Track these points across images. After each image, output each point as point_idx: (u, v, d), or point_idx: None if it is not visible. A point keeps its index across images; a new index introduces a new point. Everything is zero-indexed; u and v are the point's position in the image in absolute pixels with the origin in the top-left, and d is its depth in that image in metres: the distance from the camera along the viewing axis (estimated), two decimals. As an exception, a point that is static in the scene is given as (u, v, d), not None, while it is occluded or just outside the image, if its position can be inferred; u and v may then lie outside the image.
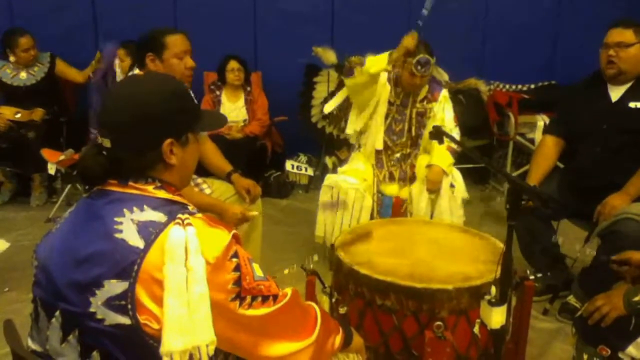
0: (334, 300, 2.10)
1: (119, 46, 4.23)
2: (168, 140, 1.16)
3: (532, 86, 4.78)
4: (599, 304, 1.72)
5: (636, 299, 1.65)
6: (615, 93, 2.64)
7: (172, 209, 1.11)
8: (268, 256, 3.01)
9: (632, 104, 2.57)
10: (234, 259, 1.09)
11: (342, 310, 2.05)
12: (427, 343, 1.86)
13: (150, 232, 1.06)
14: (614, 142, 2.60)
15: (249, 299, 1.09)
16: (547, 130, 2.99)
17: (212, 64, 4.46)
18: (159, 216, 1.09)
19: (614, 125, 2.59)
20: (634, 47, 2.56)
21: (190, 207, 1.15)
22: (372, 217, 2.99)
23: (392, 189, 3.11)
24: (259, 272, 1.13)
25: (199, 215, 1.12)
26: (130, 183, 1.15)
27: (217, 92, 4.49)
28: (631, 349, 1.64)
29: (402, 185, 3.13)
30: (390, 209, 3.01)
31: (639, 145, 2.53)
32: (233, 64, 4.41)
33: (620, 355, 1.66)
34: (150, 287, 1.04)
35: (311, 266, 2.21)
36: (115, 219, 1.09)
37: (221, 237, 1.09)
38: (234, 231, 1.12)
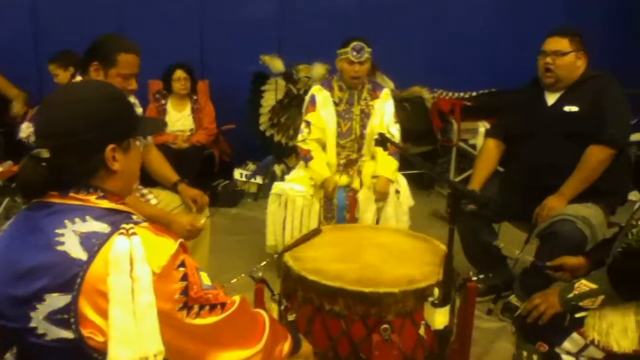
0: (282, 307, 2.10)
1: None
2: (110, 146, 1.15)
3: (474, 93, 4.94)
4: (536, 302, 1.79)
5: (570, 296, 1.72)
6: (551, 98, 2.75)
7: (116, 219, 1.10)
8: (217, 265, 2.98)
9: (566, 108, 2.68)
10: (181, 268, 1.08)
11: (291, 317, 2.06)
12: (375, 346, 1.89)
13: (93, 243, 1.05)
14: (551, 146, 2.69)
15: (196, 308, 1.09)
16: (488, 134, 3.08)
17: (157, 71, 4.39)
18: (102, 226, 1.08)
19: (551, 129, 2.68)
20: (569, 56, 2.67)
21: (135, 216, 1.14)
22: (319, 224, 3.01)
23: (343, 180, 3.15)
24: (206, 281, 1.13)
25: (145, 224, 1.11)
26: (72, 194, 1.13)
27: (163, 101, 4.42)
28: (567, 344, 1.72)
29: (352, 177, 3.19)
30: (345, 210, 3.04)
31: (574, 147, 2.63)
32: (179, 73, 4.35)
33: (557, 350, 1.74)
34: (94, 300, 1.02)
35: (260, 274, 2.21)
36: (57, 230, 1.07)
37: (168, 246, 1.09)
38: (180, 240, 1.12)
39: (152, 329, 1.03)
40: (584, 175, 2.60)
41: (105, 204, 1.14)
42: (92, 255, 1.04)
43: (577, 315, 1.71)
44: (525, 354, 1.82)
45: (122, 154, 1.18)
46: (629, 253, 1.69)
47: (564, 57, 2.67)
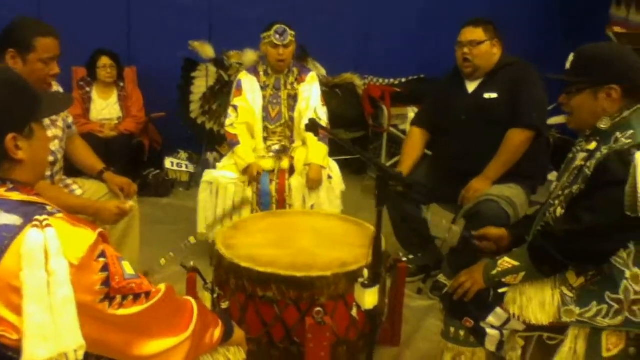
0: (215, 295, 2.09)
1: None
2: (10, 135, 1.10)
3: (403, 80, 5.03)
4: (462, 280, 1.85)
5: (494, 272, 1.78)
6: (471, 86, 2.85)
7: (28, 211, 1.06)
8: (149, 256, 2.91)
9: (486, 95, 2.78)
10: (101, 259, 1.06)
11: (224, 305, 2.06)
12: (308, 329, 1.92)
13: (3, 237, 1.01)
14: (473, 131, 2.79)
15: (119, 298, 1.07)
16: (413, 122, 3.16)
17: (81, 58, 4.21)
18: (13, 219, 1.03)
19: (472, 116, 2.78)
20: (484, 45, 2.77)
21: (50, 207, 1.10)
22: (253, 211, 3.00)
23: (267, 163, 3.13)
24: (129, 270, 1.10)
25: (60, 215, 1.07)
26: None
27: (87, 89, 4.24)
28: (491, 318, 1.79)
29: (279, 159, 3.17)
30: (269, 197, 3.03)
31: (496, 133, 2.73)
32: (104, 60, 4.19)
33: (482, 324, 1.80)
34: (6, 296, 0.98)
35: (191, 263, 2.18)
36: (-35, 225, 1.02)
37: (85, 236, 1.05)
38: (100, 230, 1.08)
39: (71, 323, 1.00)
40: (505, 158, 2.71)
41: (16, 196, 1.10)
42: (2, 250, 1.00)
43: (500, 290, 1.79)
44: (452, 329, 1.88)
45: (26, 142, 1.13)
46: (546, 232, 1.78)
47: (480, 46, 2.76)
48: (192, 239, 2.26)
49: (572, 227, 1.66)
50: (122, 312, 1.07)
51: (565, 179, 1.80)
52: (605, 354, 1.68)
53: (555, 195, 1.83)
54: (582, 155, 1.75)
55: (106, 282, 1.05)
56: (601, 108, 1.68)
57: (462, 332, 1.86)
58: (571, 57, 1.73)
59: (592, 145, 1.71)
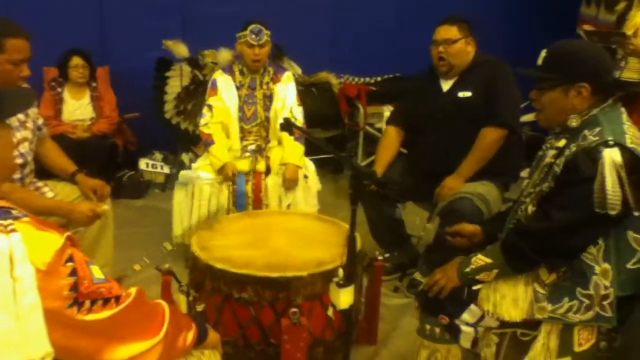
0: (191, 298, 2.07)
1: None
2: None
3: (379, 79, 5.04)
4: (437, 277, 1.86)
5: (468, 270, 1.80)
6: (446, 84, 2.87)
7: None
8: (123, 260, 2.88)
9: (460, 94, 2.81)
10: (69, 263, 1.04)
11: (199, 308, 2.04)
12: (284, 330, 1.91)
13: None
14: (448, 130, 2.80)
15: (88, 303, 1.05)
16: (389, 121, 3.17)
17: (52, 58, 4.13)
18: None
19: (447, 114, 2.80)
20: (459, 43, 2.79)
21: (15, 211, 1.07)
22: (229, 211, 2.98)
23: (243, 164, 3.11)
24: (98, 275, 1.08)
25: (26, 219, 1.05)
26: None
27: (59, 89, 4.17)
28: (465, 316, 1.80)
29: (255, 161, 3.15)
30: (245, 197, 3.02)
31: (470, 130, 2.75)
32: (76, 60, 4.11)
33: (457, 322, 1.82)
34: None
35: (167, 266, 2.16)
36: None
37: (52, 240, 1.03)
38: (67, 233, 1.06)
39: (38, 330, 0.98)
40: (479, 156, 2.74)
41: None
42: None
43: (474, 287, 1.80)
44: (428, 327, 1.89)
45: None
46: (519, 230, 1.79)
47: (455, 44, 2.78)
48: (167, 245, 2.24)
49: (544, 225, 1.68)
50: (91, 317, 1.05)
51: (536, 177, 1.82)
52: (577, 349, 1.70)
53: (527, 192, 1.85)
54: (551, 152, 1.77)
55: (74, 287, 1.03)
56: (571, 105, 1.70)
57: (437, 330, 1.87)
58: (543, 53, 1.75)
59: (562, 143, 1.74)
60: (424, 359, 1.92)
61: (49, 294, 1.00)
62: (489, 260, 1.77)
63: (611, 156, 1.56)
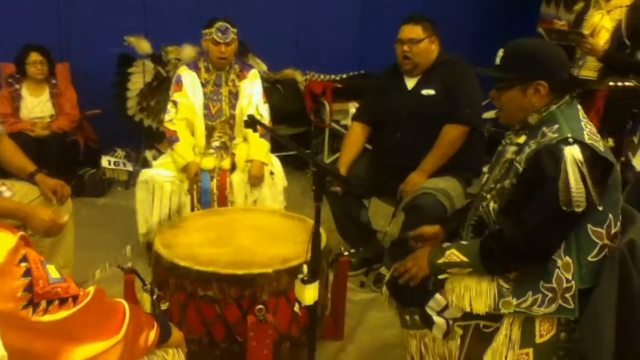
0: (155, 297, 2.05)
1: None
2: None
3: (344, 76, 5.05)
4: (408, 265, 1.85)
5: (440, 262, 1.79)
6: (410, 82, 2.91)
7: None
8: (86, 259, 2.83)
9: (424, 92, 2.85)
10: (23, 264, 1.01)
11: (163, 306, 2.02)
12: (250, 327, 1.90)
13: None
14: (412, 127, 2.84)
15: (43, 304, 1.02)
16: (354, 117, 3.19)
17: (10, 53, 4.03)
18: None
19: (411, 112, 2.84)
20: (423, 42, 2.83)
21: (-34, 212, 1.04)
22: (193, 208, 2.95)
23: (208, 161, 3.08)
24: (54, 274, 1.06)
25: None
26: None
27: (17, 86, 4.05)
28: (431, 303, 1.81)
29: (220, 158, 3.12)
30: (210, 195, 2.99)
31: (433, 127, 2.80)
32: (34, 56, 4.01)
33: (427, 310, 1.82)
34: None
35: (129, 264, 2.13)
36: None
37: (5, 240, 1.00)
38: (21, 233, 1.03)
39: None
40: (441, 152, 2.79)
41: None
42: None
43: (440, 277, 1.81)
44: (408, 317, 1.89)
45: None
46: (496, 236, 1.76)
47: (419, 43, 2.82)
48: (128, 250, 2.21)
49: (519, 229, 1.67)
50: (47, 318, 1.03)
51: (497, 172, 1.84)
52: (538, 340, 1.73)
53: (488, 188, 1.86)
54: (512, 148, 1.80)
55: (29, 288, 1.00)
56: (530, 103, 1.73)
57: (417, 317, 1.87)
58: (500, 52, 1.77)
59: (522, 139, 1.76)
60: (414, 348, 1.91)
61: (1, 295, 0.97)
62: (464, 259, 1.76)
63: (572, 154, 1.58)
